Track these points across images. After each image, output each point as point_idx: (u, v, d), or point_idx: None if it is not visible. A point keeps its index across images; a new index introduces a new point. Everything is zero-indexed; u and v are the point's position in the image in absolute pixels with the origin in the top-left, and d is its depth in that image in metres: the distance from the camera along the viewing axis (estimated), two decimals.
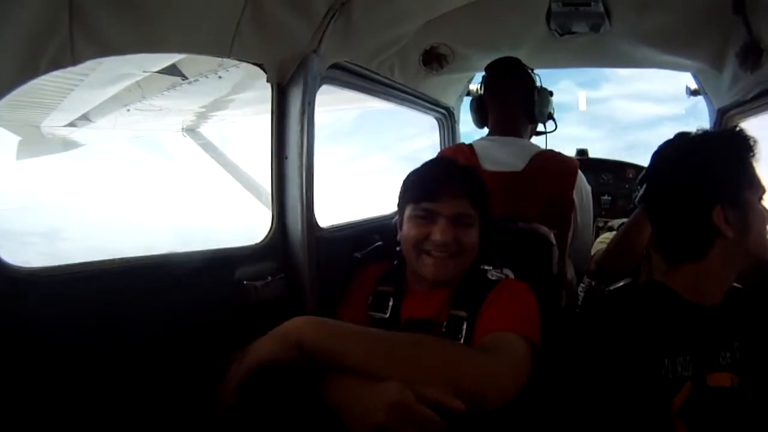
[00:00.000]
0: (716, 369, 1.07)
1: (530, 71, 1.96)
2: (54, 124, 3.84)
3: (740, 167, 1.09)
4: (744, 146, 1.09)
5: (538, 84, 1.95)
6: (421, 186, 1.34)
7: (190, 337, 1.16)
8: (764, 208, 1.11)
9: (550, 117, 1.99)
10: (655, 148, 1.20)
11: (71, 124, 3.90)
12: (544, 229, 1.60)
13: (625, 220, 2.19)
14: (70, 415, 0.96)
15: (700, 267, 1.09)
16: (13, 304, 0.89)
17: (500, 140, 1.88)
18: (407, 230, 1.33)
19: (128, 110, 3.43)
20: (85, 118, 3.75)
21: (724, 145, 1.11)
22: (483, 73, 2.04)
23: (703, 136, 1.14)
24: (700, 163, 1.09)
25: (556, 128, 2.02)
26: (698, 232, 1.08)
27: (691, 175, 1.09)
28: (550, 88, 1.97)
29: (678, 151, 1.15)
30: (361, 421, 0.92)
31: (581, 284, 2.18)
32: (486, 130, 2.00)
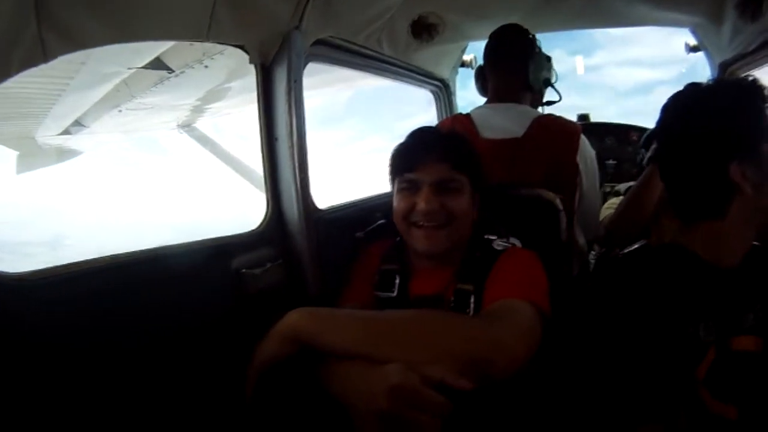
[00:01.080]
0: (740, 332, 1.01)
1: (532, 38, 1.91)
2: (48, 133, 3.83)
3: (756, 119, 1.01)
4: (759, 96, 1.02)
5: (538, 50, 1.90)
6: (403, 157, 1.31)
7: (191, 331, 1.14)
8: None
9: (548, 84, 1.93)
10: (651, 114, 1.15)
11: (65, 132, 3.89)
12: (550, 194, 1.56)
13: (632, 183, 2.15)
14: (71, 415, 0.94)
15: (719, 226, 1.03)
16: (5, 310, 0.86)
17: (498, 107, 1.84)
18: (396, 204, 1.30)
19: (120, 111, 3.41)
20: (78, 123, 3.74)
21: (737, 96, 1.04)
22: (477, 42, 1.99)
23: (714, 87, 1.08)
24: (713, 116, 1.03)
25: (560, 99, 1.97)
26: (715, 189, 1.02)
27: (704, 129, 1.03)
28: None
29: (689, 104, 1.08)
30: (363, 409, 0.89)
31: (591, 252, 2.14)
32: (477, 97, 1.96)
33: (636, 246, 1.41)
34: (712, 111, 1.03)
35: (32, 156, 4.17)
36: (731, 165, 0.99)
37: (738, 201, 1.01)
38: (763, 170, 0.99)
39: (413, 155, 1.29)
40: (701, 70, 2.35)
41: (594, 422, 1.02)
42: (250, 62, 1.36)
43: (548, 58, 1.91)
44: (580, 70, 3.50)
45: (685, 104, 1.08)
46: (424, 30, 2.12)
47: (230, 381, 1.02)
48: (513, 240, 1.32)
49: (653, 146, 1.56)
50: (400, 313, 1.09)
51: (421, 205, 1.23)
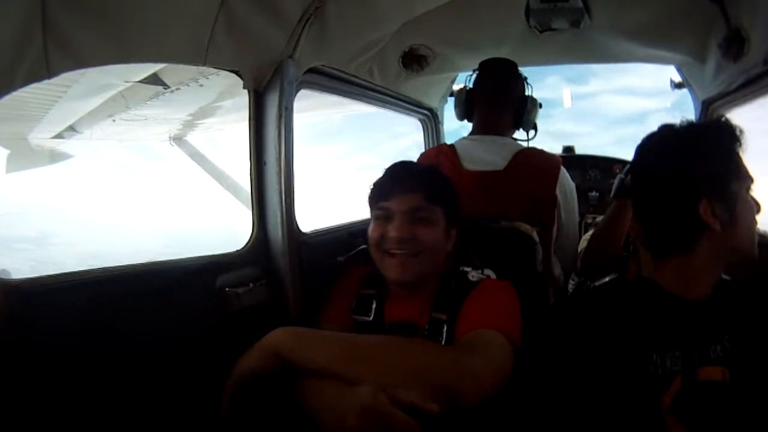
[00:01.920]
0: (707, 363, 1.06)
1: (524, 79, 1.96)
2: (41, 135, 3.83)
3: (726, 158, 1.07)
4: (730, 137, 1.08)
5: (528, 92, 1.95)
6: (379, 188, 1.34)
7: (173, 346, 1.16)
8: (753, 199, 1.10)
9: (534, 127, 1.98)
10: None
11: (58, 136, 3.89)
12: (527, 227, 1.60)
13: None
14: (63, 420, 0.96)
15: (688, 261, 1.08)
16: (2, 315, 0.89)
17: (482, 139, 1.88)
18: (370, 233, 1.33)
19: (114, 120, 3.42)
20: (72, 129, 3.75)
21: (709, 137, 1.10)
22: (466, 73, 2.02)
23: (687, 128, 1.12)
24: (685, 156, 1.08)
25: (535, 135, 2.00)
26: (685, 225, 1.07)
27: (676, 168, 1.08)
28: (536, 84, 1.97)
29: (662, 143, 1.13)
30: (334, 426, 0.93)
31: (570, 281, 2.18)
32: (465, 123, 1.99)
33: (607, 279, 1.45)
34: (684, 151, 1.08)
35: (24, 156, 4.16)
36: (701, 204, 1.03)
37: (707, 237, 1.05)
38: (732, 208, 1.04)
39: (388, 185, 1.32)
40: (687, 102, 2.39)
41: None
42: (244, 87, 1.40)
43: (539, 103, 1.96)
44: (567, 103, 3.54)
45: (657, 145, 1.14)
46: (414, 61, 2.18)
47: (210, 395, 1.05)
48: (487, 271, 1.35)
49: (617, 179, 1.61)
50: (377, 337, 1.15)
51: (393, 232, 1.26)
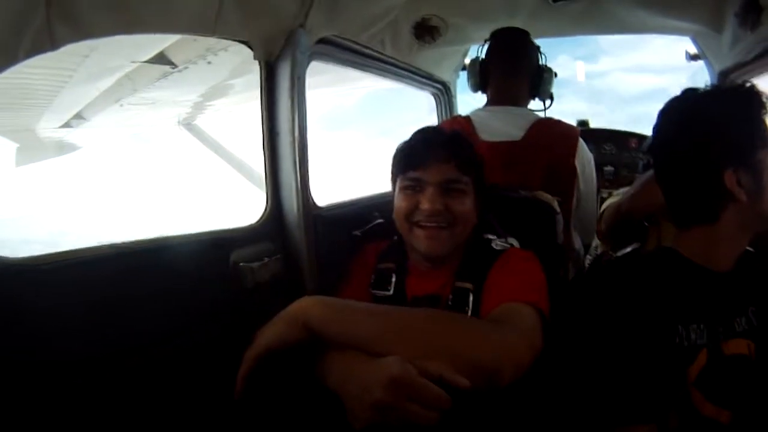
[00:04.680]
0: (732, 336, 1.03)
1: (538, 48, 1.93)
2: (49, 125, 3.82)
3: (753, 126, 1.02)
4: (756, 103, 1.03)
5: (542, 62, 1.92)
6: (408, 156, 1.29)
7: (187, 320, 1.15)
8: None
9: (550, 96, 1.95)
10: None
11: (66, 125, 3.88)
12: (547, 196, 1.57)
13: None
14: (70, 399, 0.94)
15: (713, 231, 1.04)
16: (6, 295, 0.86)
17: (498, 110, 1.85)
18: (398, 203, 1.29)
19: (121, 105, 3.40)
20: (79, 116, 3.73)
21: (734, 104, 1.04)
22: (478, 45, 1.99)
23: (711, 94, 1.08)
24: (709, 123, 1.03)
25: (551, 105, 1.97)
26: (709, 195, 1.03)
27: (700, 136, 1.04)
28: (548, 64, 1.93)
29: (685, 110, 1.08)
30: (359, 399, 0.88)
31: (588, 256, 2.15)
32: (479, 95, 1.96)
33: (628, 249, 1.42)
34: (708, 118, 1.04)
35: (32, 149, 4.16)
36: (725, 172, 0.99)
37: (731, 207, 1.02)
38: (758, 177, 1.00)
39: (418, 154, 1.27)
40: (701, 79, 2.31)
41: (587, 423, 1.03)
42: (255, 58, 1.36)
43: (555, 72, 1.93)
44: (581, 77, 3.49)
45: (681, 110, 1.09)
46: (426, 32, 2.13)
47: (224, 371, 1.01)
48: (511, 240, 1.33)
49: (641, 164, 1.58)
50: (413, 310, 1.09)
51: (425, 205, 1.22)
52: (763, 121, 1.03)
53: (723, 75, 2.10)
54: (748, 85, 1.08)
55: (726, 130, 1.02)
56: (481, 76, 1.94)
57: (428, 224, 1.23)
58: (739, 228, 1.04)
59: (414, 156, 1.28)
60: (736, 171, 1.00)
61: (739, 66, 1.96)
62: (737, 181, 1.00)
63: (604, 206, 1.96)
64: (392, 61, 2.09)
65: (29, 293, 0.89)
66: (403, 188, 1.28)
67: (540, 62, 1.91)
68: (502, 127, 1.78)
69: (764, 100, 1.03)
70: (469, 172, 1.27)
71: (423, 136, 1.33)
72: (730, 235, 1.05)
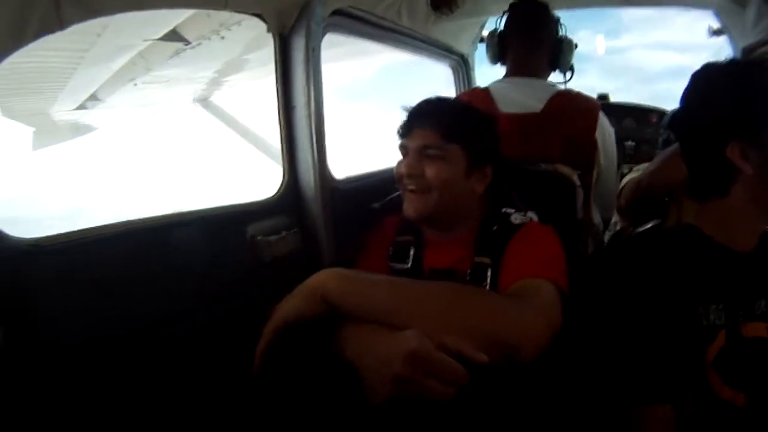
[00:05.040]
0: (752, 318, 1.00)
1: (558, 20, 1.89)
2: (64, 108, 3.84)
3: (765, 100, 0.99)
4: None
5: (562, 33, 1.88)
6: (402, 125, 1.32)
7: (205, 297, 1.15)
8: None
9: (571, 68, 1.91)
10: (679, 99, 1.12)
11: (81, 106, 3.89)
12: (567, 169, 1.54)
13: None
14: (84, 379, 0.94)
15: (725, 205, 1.02)
16: (19, 276, 0.87)
17: (517, 81, 1.82)
18: (395, 170, 1.31)
19: (135, 85, 3.40)
20: (94, 98, 3.74)
21: (748, 76, 1.02)
22: (497, 17, 1.96)
23: (726, 67, 1.05)
24: (716, 96, 1.01)
25: (572, 77, 1.93)
26: (716, 168, 1.01)
27: (705, 108, 1.03)
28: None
29: (697, 83, 1.07)
30: (377, 373, 0.87)
31: (607, 231, 2.13)
32: (498, 68, 1.93)
33: (649, 225, 1.39)
34: (717, 91, 1.02)
35: (48, 132, 4.18)
36: (729, 145, 0.97)
37: (741, 181, 0.99)
38: (766, 152, 0.97)
39: (408, 122, 1.30)
40: (725, 57, 2.28)
41: (603, 401, 1.02)
42: (268, 31, 1.35)
43: (575, 44, 1.89)
44: (601, 50, 3.43)
45: (694, 83, 1.07)
46: (443, 3, 2.08)
47: (242, 345, 1.01)
48: (530, 214, 1.30)
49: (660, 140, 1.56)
50: (434, 283, 1.08)
51: (402, 169, 1.26)
52: None
53: (747, 52, 2.03)
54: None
55: (732, 103, 0.99)
56: (500, 48, 1.91)
57: (409, 188, 1.25)
58: (750, 203, 1.01)
59: (404, 125, 1.30)
60: (742, 144, 0.97)
61: (764, 42, 1.90)
62: (741, 154, 0.97)
63: (624, 181, 1.93)
64: (409, 32, 2.06)
65: (43, 273, 0.90)
66: (400, 156, 1.31)
67: (559, 33, 1.87)
68: (522, 98, 1.75)
69: None
70: (456, 140, 1.26)
71: (416, 106, 1.34)
72: (742, 211, 1.02)
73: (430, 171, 1.23)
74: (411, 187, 1.24)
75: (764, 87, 0.99)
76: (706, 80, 1.06)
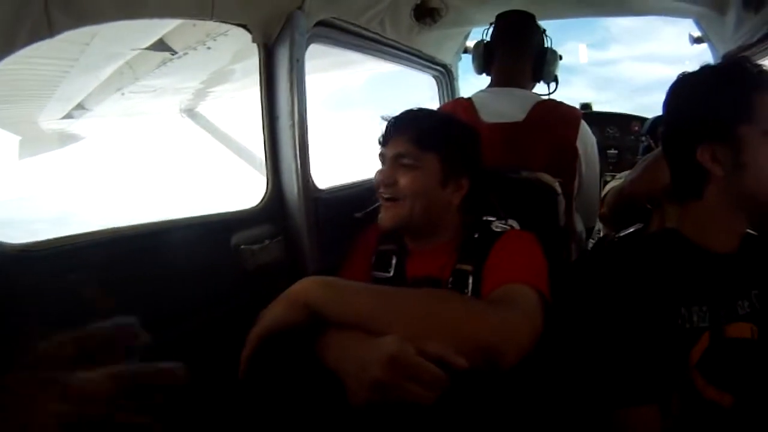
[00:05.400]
0: (735, 319, 1.01)
1: (543, 32, 1.92)
2: (51, 117, 3.81)
3: (736, 101, 0.99)
4: (745, 78, 1.01)
5: (547, 45, 1.91)
6: (382, 135, 1.33)
7: (189, 305, 1.15)
8: None
9: (555, 79, 1.94)
10: None
11: (68, 116, 3.87)
12: (549, 177, 1.56)
13: None
14: None
15: (701, 207, 1.04)
16: (7, 281, 0.87)
17: (500, 91, 1.84)
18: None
19: (122, 94, 3.39)
20: (81, 107, 3.72)
21: (720, 78, 1.04)
22: (480, 28, 1.99)
23: (697, 73, 1.08)
24: (688, 99, 1.05)
25: (556, 89, 1.96)
26: (688, 170, 1.03)
27: (677, 113, 1.06)
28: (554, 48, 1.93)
29: (673, 90, 1.09)
30: (357, 377, 0.88)
31: (590, 239, 2.15)
32: (484, 78, 1.95)
33: (631, 229, 1.41)
34: (689, 94, 1.05)
35: (35, 141, 4.15)
36: (699, 147, 0.99)
37: (713, 183, 1.01)
38: (737, 152, 0.98)
39: (387, 132, 1.31)
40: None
41: (588, 404, 1.03)
42: (253, 41, 1.36)
43: (560, 56, 1.92)
44: (583, 59, 3.45)
45: (670, 92, 1.09)
46: (426, 14, 2.10)
47: (227, 352, 1.01)
48: (511, 222, 1.32)
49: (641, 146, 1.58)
50: (412, 290, 1.09)
51: (377, 177, 1.28)
52: (751, 96, 1.00)
53: (727, 58, 2.06)
54: (743, 61, 1.07)
55: (703, 106, 1.02)
56: (485, 58, 1.94)
57: (384, 196, 1.27)
58: (726, 206, 1.03)
59: (384, 134, 1.32)
60: (712, 146, 0.99)
61: (744, 48, 1.93)
62: (711, 156, 0.99)
63: (606, 189, 1.96)
64: (393, 43, 2.08)
65: (28, 279, 0.90)
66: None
67: (545, 45, 1.90)
68: (504, 108, 1.77)
69: (756, 73, 1.01)
70: (432, 149, 1.27)
71: (395, 116, 1.35)
72: (719, 212, 1.04)
73: (404, 180, 1.25)
74: (385, 195, 1.26)
75: (732, 89, 1.01)
76: (680, 87, 1.08)
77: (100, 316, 0.97)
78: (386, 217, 1.27)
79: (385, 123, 1.33)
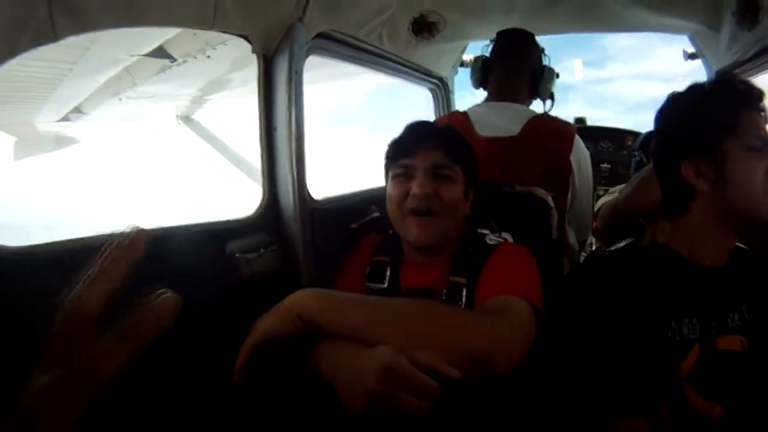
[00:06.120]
0: (725, 331, 1.03)
1: (542, 50, 1.96)
2: (47, 119, 3.81)
3: (720, 117, 1.02)
4: (731, 94, 1.04)
5: (545, 62, 1.94)
6: (399, 145, 1.33)
7: (183, 313, 1.14)
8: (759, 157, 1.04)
9: (551, 97, 1.97)
10: None
11: (64, 118, 3.87)
12: (542, 191, 1.58)
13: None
14: None
15: (689, 222, 1.07)
16: (3, 284, 0.87)
17: (496, 105, 1.86)
18: (389, 192, 1.31)
19: (120, 99, 3.39)
20: (78, 110, 3.72)
21: (706, 95, 1.07)
22: (476, 43, 2.02)
23: (689, 89, 1.10)
24: (673, 116, 1.08)
25: (552, 106, 1.99)
26: (674, 186, 1.06)
27: (665, 128, 1.09)
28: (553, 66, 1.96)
29: (662, 108, 1.12)
30: (351, 387, 0.89)
31: (583, 252, 2.16)
32: (481, 92, 1.98)
33: (622, 244, 1.43)
34: (676, 112, 1.08)
35: (30, 142, 4.14)
36: (683, 163, 1.02)
37: (699, 198, 1.04)
38: (721, 168, 1.01)
39: (409, 143, 1.30)
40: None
41: (579, 415, 1.04)
42: (253, 52, 1.37)
43: (557, 74, 1.95)
44: (579, 75, 3.48)
45: (660, 109, 1.12)
46: (424, 28, 2.13)
47: (222, 360, 1.02)
48: (505, 235, 1.33)
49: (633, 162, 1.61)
50: (407, 301, 1.12)
51: (416, 189, 1.23)
52: (740, 112, 1.02)
53: (720, 74, 2.08)
54: (731, 79, 1.10)
55: (689, 122, 1.04)
56: (483, 73, 1.96)
57: (419, 210, 1.24)
58: (713, 220, 1.05)
59: (405, 145, 1.31)
60: (697, 162, 1.01)
61: (737, 65, 1.96)
62: (695, 171, 1.02)
63: (599, 204, 1.97)
64: (390, 56, 2.10)
65: (22, 282, 0.90)
66: (395, 176, 1.30)
67: (542, 62, 1.93)
68: (500, 122, 1.79)
69: (741, 89, 1.04)
70: (458, 161, 1.28)
71: (413, 127, 1.36)
72: (706, 228, 1.06)
73: (444, 191, 1.25)
74: (424, 208, 1.24)
75: (718, 106, 1.03)
76: (669, 105, 1.11)
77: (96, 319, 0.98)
78: (424, 233, 1.25)
79: (396, 140, 1.34)
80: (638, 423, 0.98)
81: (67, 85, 2.89)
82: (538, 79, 1.90)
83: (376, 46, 1.94)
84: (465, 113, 1.87)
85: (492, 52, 1.97)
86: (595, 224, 1.96)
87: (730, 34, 1.90)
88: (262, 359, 1.01)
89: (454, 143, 1.31)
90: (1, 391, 0.84)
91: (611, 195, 2.23)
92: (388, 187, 1.32)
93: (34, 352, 0.88)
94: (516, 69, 1.90)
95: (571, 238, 1.85)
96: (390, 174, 1.32)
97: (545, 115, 1.86)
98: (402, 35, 2.09)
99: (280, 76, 1.37)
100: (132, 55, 2.45)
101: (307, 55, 1.46)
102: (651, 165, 1.59)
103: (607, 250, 1.56)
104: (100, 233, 1.04)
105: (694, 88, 1.10)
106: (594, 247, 2.20)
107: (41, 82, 2.83)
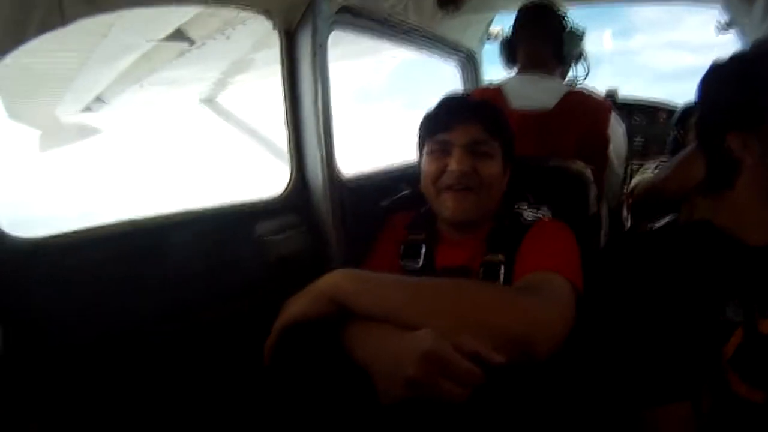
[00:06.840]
0: (767, 315, 0.97)
1: (563, 15, 1.90)
2: (69, 110, 3.83)
3: (763, 89, 0.96)
4: None
5: (568, 27, 1.88)
6: (435, 120, 1.27)
7: (211, 296, 1.14)
8: None
9: (581, 57, 1.91)
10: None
11: (87, 109, 3.89)
12: (580, 164, 1.52)
13: (660, 160, 2.10)
14: (86, 380, 0.93)
15: (731, 196, 1.01)
16: (18, 275, 0.86)
17: (529, 78, 1.82)
18: (425, 167, 1.26)
19: (141, 86, 3.39)
20: (99, 100, 3.73)
21: (745, 67, 1.00)
22: (502, 15, 1.97)
23: (727, 61, 1.03)
24: (716, 89, 1.02)
25: (588, 72, 1.93)
26: (719, 159, 1.00)
27: (708, 100, 1.03)
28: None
29: (703, 80, 1.06)
30: (390, 376, 0.84)
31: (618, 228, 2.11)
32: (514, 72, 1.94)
33: (666, 220, 1.37)
34: (719, 83, 1.02)
35: (55, 135, 4.19)
36: (729, 135, 0.96)
37: (745, 172, 0.98)
38: (766, 142, 0.95)
39: (445, 117, 1.25)
40: None
41: (619, 400, 0.99)
42: (274, 28, 1.34)
43: (581, 35, 1.89)
44: (608, 45, 3.40)
45: (701, 81, 1.06)
46: (450, 0, 2.08)
47: (252, 342, 1.00)
48: (543, 209, 1.29)
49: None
50: (442, 281, 1.05)
51: (454, 166, 1.19)
52: None
53: (756, 45, 2.01)
54: None
55: (734, 93, 0.98)
56: (510, 49, 1.94)
57: (456, 187, 1.20)
58: (758, 196, 0.99)
59: (441, 120, 1.26)
60: (743, 135, 0.96)
61: None
62: (743, 144, 0.96)
63: (633, 182, 1.93)
64: (415, 29, 2.05)
65: (44, 272, 0.89)
66: (431, 152, 1.25)
67: (565, 26, 1.88)
68: (534, 93, 1.75)
69: None
70: (497, 136, 1.24)
71: (449, 101, 1.31)
72: (750, 202, 1.00)
73: (483, 167, 1.21)
74: (461, 186, 1.20)
75: (759, 77, 0.97)
76: (711, 75, 1.05)
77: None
78: (462, 208, 1.21)
79: (431, 114, 1.30)
80: (682, 408, 0.94)
81: (85, 75, 2.89)
82: (562, 42, 1.85)
83: (401, 19, 1.90)
84: (498, 86, 1.83)
85: (514, 26, 1.94)
86: (629, 202, 1.92)
87: (765, 4, 1.82)
88: (293, 341, 0.98)
89: (493, 118, 1.26)
90: (12, 379, 0.84)
91: (646, 173, 2.18)
92: (422, 163, 1.28)
93: (43, 340, 0.88)
94: (539, 35, 1.86)
95: (604, 210, 1.81)
96: (425, 149, 1.27)
97: (580, 91, 1.81)
98: (427, 7, 2.03)
99: (304, 52, 1.33)
100: (149, 41, 2.43)
101: (330, 30, 1.42)
102: (690, 147, 1.55)
103: (651, 226, 1.51)
104: (120, 221, 1.03)
105: (737, 59, 1.04)
106: (629, 223, 2.14)
107: (62, 74, 2.84)
